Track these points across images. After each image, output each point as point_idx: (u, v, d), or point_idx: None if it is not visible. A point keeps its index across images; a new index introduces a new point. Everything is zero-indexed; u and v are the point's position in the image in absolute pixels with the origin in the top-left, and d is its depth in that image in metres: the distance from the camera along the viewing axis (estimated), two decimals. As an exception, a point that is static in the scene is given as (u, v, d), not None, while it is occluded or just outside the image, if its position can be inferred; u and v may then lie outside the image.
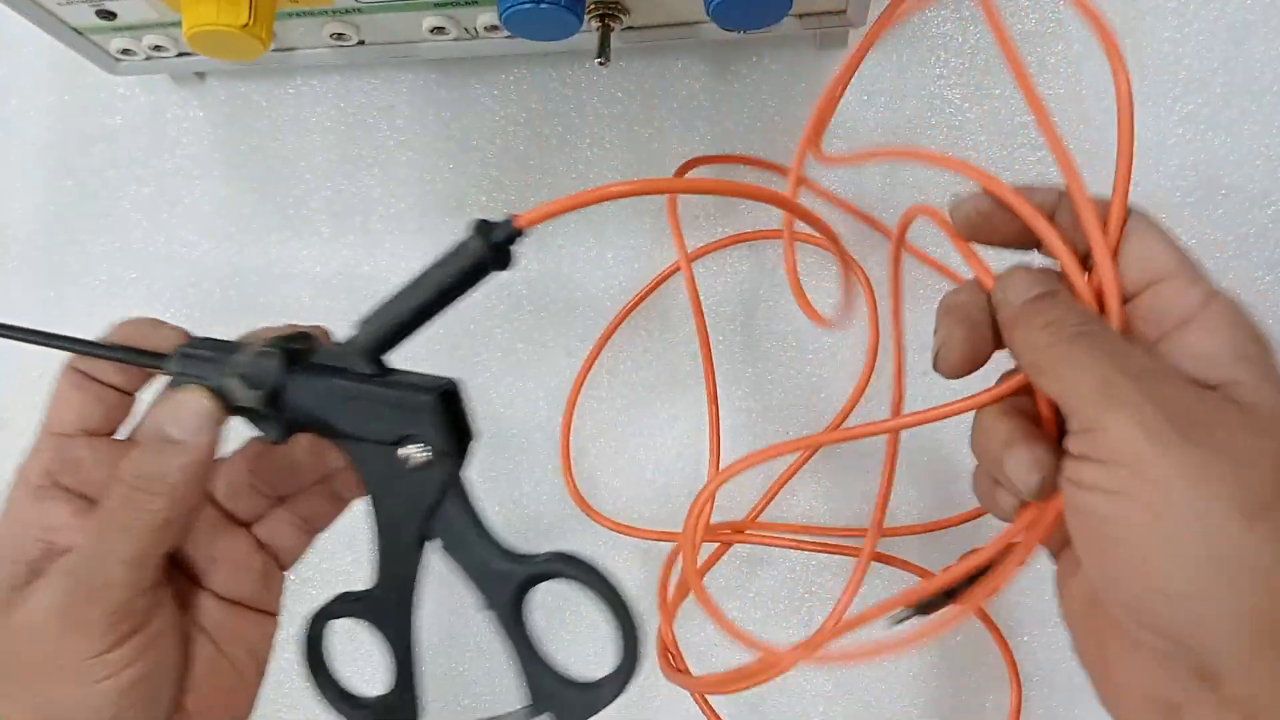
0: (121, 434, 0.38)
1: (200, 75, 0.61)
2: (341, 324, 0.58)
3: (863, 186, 0.56)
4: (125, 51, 0.54)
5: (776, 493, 0.55)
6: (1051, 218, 0.34)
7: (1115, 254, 0.33)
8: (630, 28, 0.52)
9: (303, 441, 0.39)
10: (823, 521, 0.56)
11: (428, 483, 0.34)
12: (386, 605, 0.36)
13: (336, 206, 0.60)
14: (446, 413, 0.34)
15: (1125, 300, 0.32)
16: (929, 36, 0.56)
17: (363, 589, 0.37)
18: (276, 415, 0.35)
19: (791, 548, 0.55)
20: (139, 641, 0.34)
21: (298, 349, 0.35)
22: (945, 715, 0.56)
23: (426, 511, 0.35)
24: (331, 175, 0.60)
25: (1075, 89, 0.55)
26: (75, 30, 0.52)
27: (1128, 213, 0.33)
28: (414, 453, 0.34)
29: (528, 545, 0.35)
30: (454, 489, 0.35)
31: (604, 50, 0.49)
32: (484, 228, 0.33)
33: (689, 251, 0.56)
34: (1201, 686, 0.29)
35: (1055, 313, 0.32)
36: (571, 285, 0.58)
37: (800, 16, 0.52)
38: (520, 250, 0.34)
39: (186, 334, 0.37)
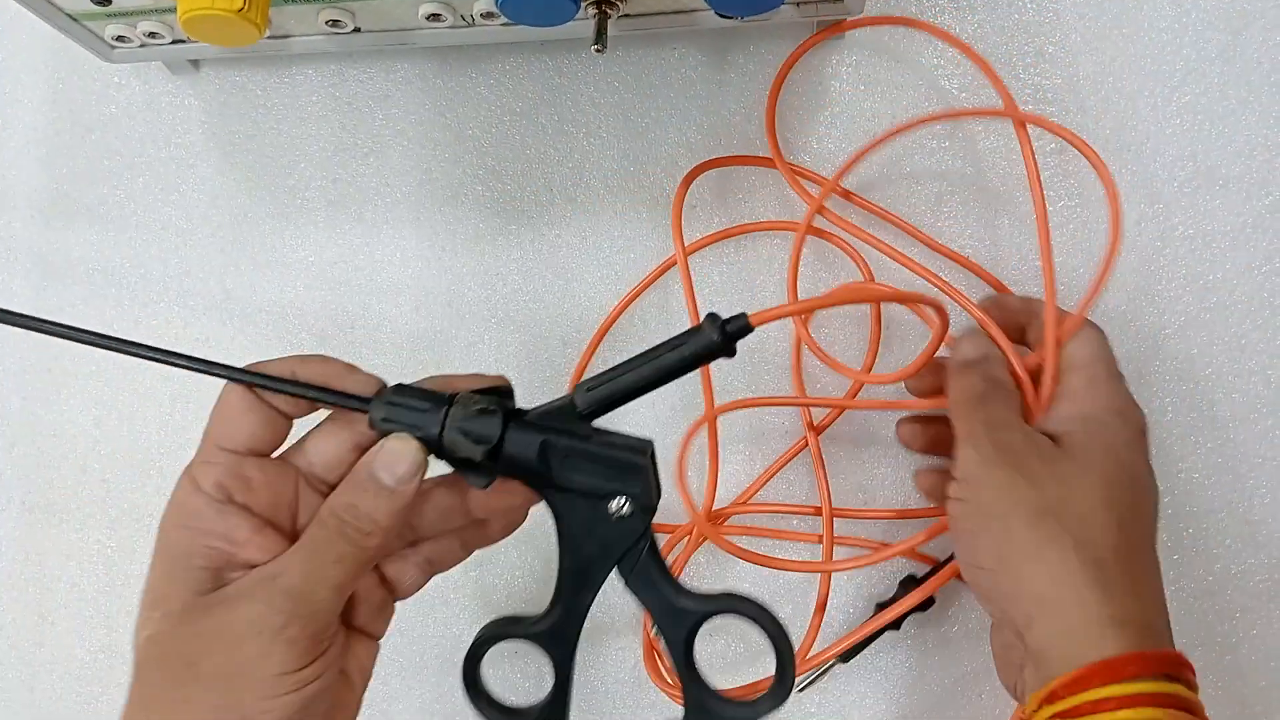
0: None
1: (195, 64, 0.61)
2: (335, 313, 0.59)
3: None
4: (120, 39, 0.54)
5: (769, 478, 0.56)
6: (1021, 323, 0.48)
7: (1057, 349, 0.46)
8: (627, 15, 0.52)
9: (462, 494, 0.41)
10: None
11: (625, 532, 0.38)
12: (560, 632, 0.39)
13: (332, 195, 0.60)
14: (653, 471, 0.38)
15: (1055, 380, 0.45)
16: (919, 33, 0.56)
17: (527, 614, 0.40)
18: (490, 466, 0.38)
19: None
20: (326, 660, 0.37)
21: (510, 405, 0.39)
22: (942, 702, 0.56)
23: (618, 554, 0.38)
24: (327, 164, 0.60)
25: (1071, 79, 0.55)
26: (70, 17, 0.52)
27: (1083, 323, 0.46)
28: (620, 507, 0.38)
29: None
30: (648, 538, 0.38)
31: (600, 37, 0.49)
32: (718, 321, 0.36)
33: (685, 245, 0.56)
34: (1020, 643, 0.42)
35: (970, 378, 0.45)
36: (569, 275, 0.58)
37: (797, 4, 0.52)
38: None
39: (380, 382, 0.39)
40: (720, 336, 0.36)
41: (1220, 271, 0.55)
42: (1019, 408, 0.45)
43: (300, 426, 0.40)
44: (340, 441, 0.40)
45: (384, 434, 0.38)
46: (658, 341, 0.37)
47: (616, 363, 0.37)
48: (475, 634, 0.40)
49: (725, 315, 0.37)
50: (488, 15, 0.51)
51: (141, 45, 0.55)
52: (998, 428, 0.43)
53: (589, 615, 0.39)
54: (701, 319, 0.37)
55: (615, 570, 0.39)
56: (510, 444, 0.37)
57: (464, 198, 0.59)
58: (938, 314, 0.45)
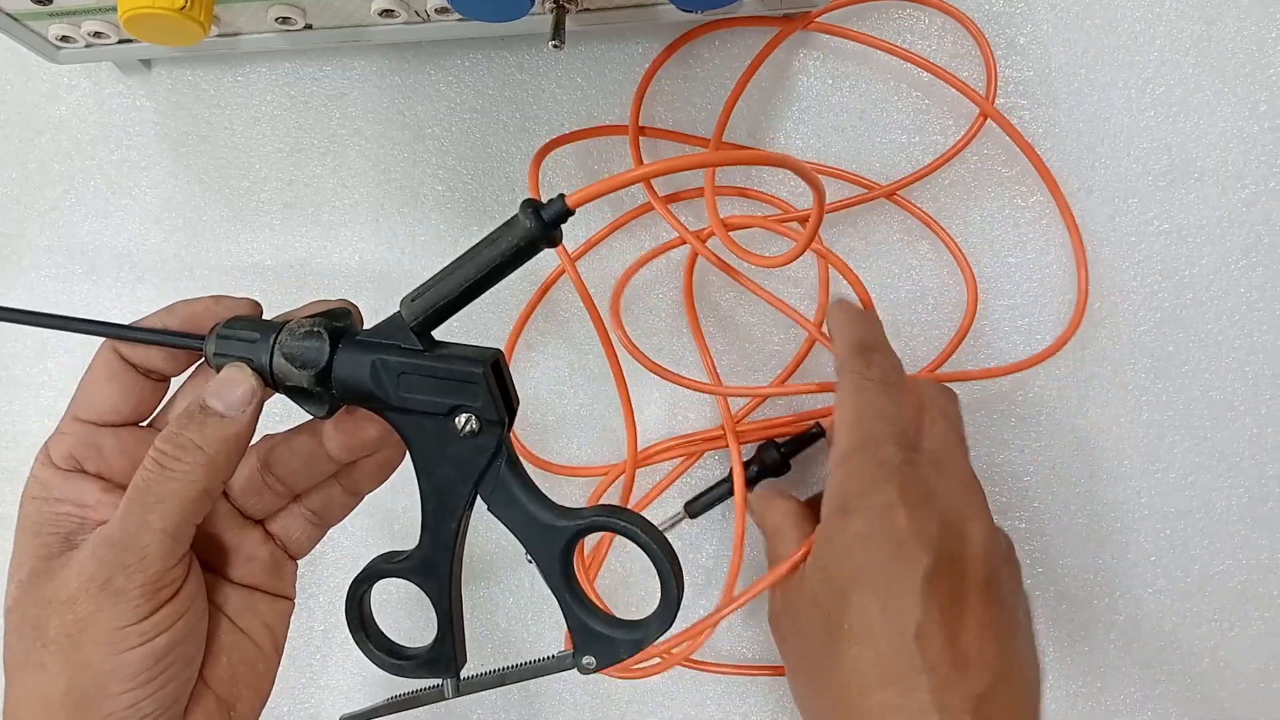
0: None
1: (146, 63, 0.59)
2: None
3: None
4: (64, 39, 0.52)
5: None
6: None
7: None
8: (586, 10, 0.50)
9: (319, 436, 0.39)
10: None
11: (477, 449, 0.35)
12: (432, 564, 0.37)
13: (288, 197, 0.58)
14: (496, 383, 0.35)
15: None
16: (894, 19, 0.55)
17: (406, 550, 0.38)
18: (324, 392, 0.36)
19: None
20: (171, 609, 0.35)
21: (340, 326, 0.36)
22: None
23: (476, 476, 0.36)
24: (283, 165, 0.58)
25: (1043, 70, 0.54)
26: (11, 17, 0.50)
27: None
28: (465, 423, 0.35)
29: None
30: (503, 454, 0.36)
31: (558, 33, 0.47)
32: (534, 205, 0.33)
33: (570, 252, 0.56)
34: None
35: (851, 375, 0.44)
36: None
37: (761, -3, 0.50)
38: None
39: (255, 303, 0.38)
40: (535, 223, 0.33)
41: (1196, 267, 0.54)
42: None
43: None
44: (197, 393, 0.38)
45: (219, 368, 0.36)
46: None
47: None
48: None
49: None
50: (442, 10, 0.50)
51: (87, 45, 0.53)
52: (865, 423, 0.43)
53: (467, 546, 0.38)
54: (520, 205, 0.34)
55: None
56: (339, 367, 0.35)
57: (424, 197, 0.58)
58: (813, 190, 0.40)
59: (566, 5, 0.48)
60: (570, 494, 0.57)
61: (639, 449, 0.54)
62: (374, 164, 0.58)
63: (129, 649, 0.34)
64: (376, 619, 0.40)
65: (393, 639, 0.40)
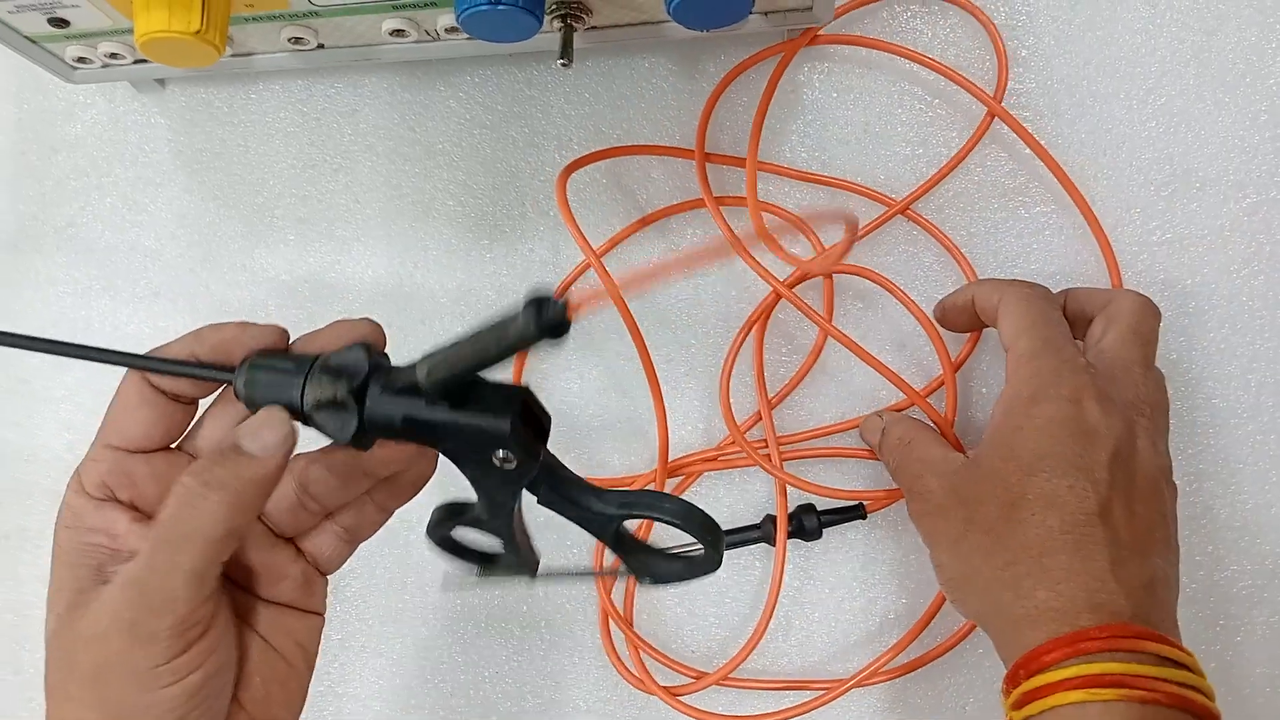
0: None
1: (161, 82, 0.60)
2: (307, 332, 0.58)
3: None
4: (81, 60, 0.53)
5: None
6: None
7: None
8: (594, 27, 0.51)
9: (342, 457, 0.39)
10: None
11: (519, 473, 0.36)
12: (491, 517, 0.39)
13: (301, 212, 0.59)
14: (525, 427, 0.36)
15: None
16: (899, 31, 0.55)
17: (465, 501, 0.39)
18: (356, 411, 0.36)
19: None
20: (202, 647, 0.35)
21: (362, 384, 0.36)
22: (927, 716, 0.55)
23: (520, 487, 0.37)
24: (296, 181, 0.59)
25: (1046, 82, 0.55)
26: (28, 39, 0.51)
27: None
28: (504, 460, 0.36)
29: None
30: (544, 470, 0.37)
31: (566, 51, 0.48)
32: (538, 306, 0.32)
33: (595, 248, 0.56)
34: None
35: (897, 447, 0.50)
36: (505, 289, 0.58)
37: (766, 14, 0.51)
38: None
39: (282, 331, 0.38)
40: (536, 327, 0.32)
41: (1198, 275, 0.54)
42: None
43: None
44: (224, 420, 0.39)
45: (250, 401, 0.36)
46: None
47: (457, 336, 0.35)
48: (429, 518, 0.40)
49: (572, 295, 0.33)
50: (451, 30, 0.51)
51: (103, 66, 0.54)
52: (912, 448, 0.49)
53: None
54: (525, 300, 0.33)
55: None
56: (371, 420, 0.35)
57: (435, 213, 0.58)
58: (845, 228, 0.44)
59: (574, 24, 0.49)
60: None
61: (669, 459, 0.55)
62: (385, 180, 0.59)
63: (161, 688, 0.34)
64: (461, 542, 0.41)
65: (479, 550, 0.41)
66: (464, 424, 0.35)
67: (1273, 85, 0.54)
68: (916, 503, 0.48)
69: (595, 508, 0.38)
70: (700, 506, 0.38)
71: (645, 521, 0.52)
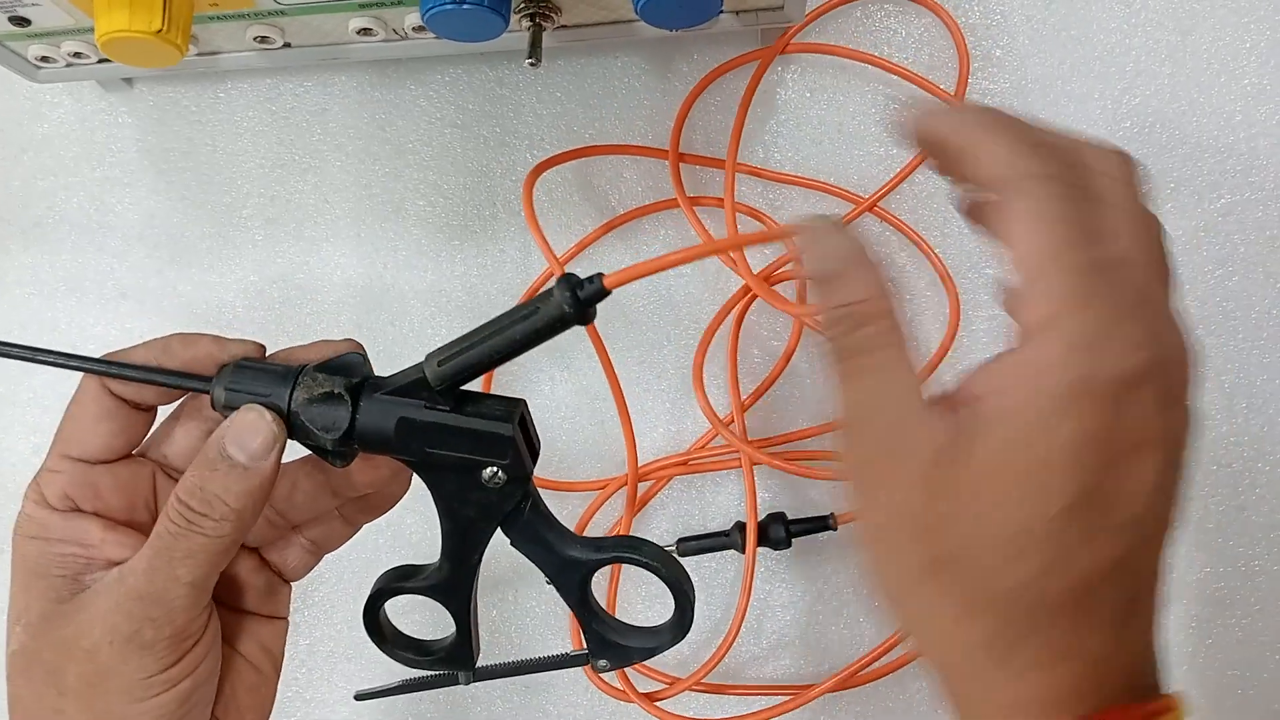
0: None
1: (128, 81, 0.59)
2: (276, 334, 0.58)
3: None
4: (44, 59, 0.52)
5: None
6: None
7: None
8: (564, 26, 0.51)
9: (324, 471, 0.39)
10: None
11: (502, 496, 0.36)
12: (452, 585, 0.38)
13: (270, 213, 0.58)
14: (524, 438, 0.35)
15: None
16: (872, 31, 0.55)
17: (420, 564, 0.39)
18: (346, 449, 0.35)
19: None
20: (194, 656, 0.35)
21: (358, 382, 0.35)
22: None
23: (499, 518, 0.36)
24: (265, 180, 0.59)
25: (1020, 82, 0.54)
26: (-10, 37, 0.51)
27: None
28: (492, 476, 0.35)
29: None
30: (528, 499, 0.36)
31: (535, 51, 0.48)
32: (572, 283, 0.32)
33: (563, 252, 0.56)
34: None
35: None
36: (514, 290, 0.57)
37: (737, 13, 0.50)
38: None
39: (259, 346, 0.37)
40: (572, 305, 0.31)
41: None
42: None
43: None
44: (192, 429, 0.38)
45: (230, 408, 0.35)
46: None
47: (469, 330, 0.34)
48: (373, 585, 0.39)
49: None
50: (419, 29, 0.50)
51: (68, 65, 0.53)
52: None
53: (485, 565, 0.38)
54: (555, 280, 0.33)
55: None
56: (363, 423, 0.35)
57: (405, 212, 0.58)
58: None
59: (543, 24, 0.48)
60: (568, 505, 0.57)
61: (639, 464, 0.54)
62: (355, 179, 0.58)
63: (153, 696, 0.34)
64: (394, 621, 0.41)
65: (412, 637, 0.41)
66: (464, 427, 0.35)
67: (1247, 86, 0.54)
68: (863, 481, 0.30)
69: (570, 552, 0.37)
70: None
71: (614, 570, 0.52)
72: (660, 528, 0.56)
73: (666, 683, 0.54)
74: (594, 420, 0.57)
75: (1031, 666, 0.28)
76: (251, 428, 0.34)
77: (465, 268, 0.57)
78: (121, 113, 0.60)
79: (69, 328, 0.60)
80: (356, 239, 0.58)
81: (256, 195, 0.59)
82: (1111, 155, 0.32)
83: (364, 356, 0.37)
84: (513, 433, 0.35)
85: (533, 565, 0.37)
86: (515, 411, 0.35)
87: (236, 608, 0.40)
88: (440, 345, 0.34)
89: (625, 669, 0.54)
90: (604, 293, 0.32)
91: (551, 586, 0.38)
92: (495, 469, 0.35)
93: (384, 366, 0.57)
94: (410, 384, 0.35)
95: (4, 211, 0.60)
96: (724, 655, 0.53)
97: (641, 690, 0.53)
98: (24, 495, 0.37)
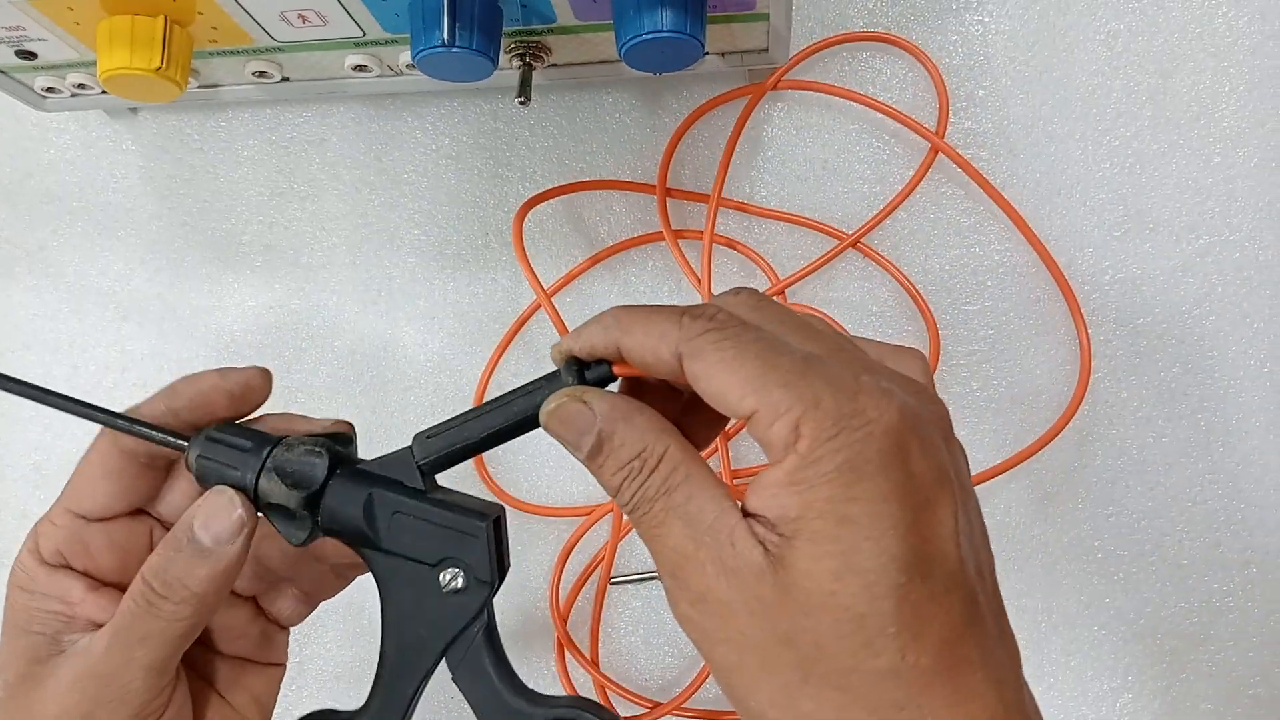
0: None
1: (133, 109, 0.61)
2: (273, 358, 0.59)
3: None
4: (50, 90, 0.54)
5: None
6: None
7: None
8: (554, 65, 0.52)
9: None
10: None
11: (458, 609, 0.33)
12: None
13: (268, 240, 0.60)
14: (495, 541, 0.34)
15: None
16: (858, 70, 0.56)
17: (343, 710, 0.35)
18: (308, 518, 0.34)
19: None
20: None
21: (341, 452, 0.35)
22: None
23: (450, 638, 0.33)
24: (264, 208, 0.60)
25: (1001, 123, 0.55)
26: (-2, 69, 0.52)
27: None
28: (452, 578, 0.33)
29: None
30: (483, 618, 0.33)
31: (525, 90, 0.49)
32: (579, 365, 0.32)
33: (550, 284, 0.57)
34: None
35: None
36: (505, 319, 0.58)
37: (723, 54, 0.52)
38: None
39: (263, 372, 0.36)
40: (577, 384, 0.32)
41: (1150, 315, 0.55)
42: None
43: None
44: (187, 487, 0.37)
45: (200, 476, 0.35)
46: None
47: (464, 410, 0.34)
48: None
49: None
50: (413, 66, 0.51)
51: (73, 95, 0.55)
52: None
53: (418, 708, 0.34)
54: (560, 366, 0.32)
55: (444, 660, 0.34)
56: (332, 493, 0.33)
57: (400, 242, 0.59)
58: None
59: (533, 64, 0.49)
60: (553, 530, 0.58)
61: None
62: (352, 208, 0.59)
63: None
64: None
65: None
66: (434, 514, 0.33)
67: (1225, 129, 0.55)
68: (704, 621, 0.29)
69: (516, 703, 0.33)
70: None
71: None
72: (646, 554, 0.57)
73: (647, 707, 0.55)
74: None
75: None
76: (220, 512, 0.34)
77: (458, 295, 0.58)
78: (126, 140, 0.61)
79: (70, 349, 0.61)
80: (352, 266, 0.59)
81: (256, 222, 0.60)
82: (728, 296, 0.33)
83: (351, 437, 0.37)
84: (485, 529, 0.33)
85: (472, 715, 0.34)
86: (492, 510, 0.34)
87: (232, 655, 0.40)
88: (432, 425, 0.33)
89: (606, 690, 0.55)
90: (611, 378, 0.32)
91: None
92: (457, 571, 0.33)
93: (379, 392, 0.58)
94: (389, 462, 0.34)
95: (10, 234, 0.62)
96: (705, 679, 0.54)
97: (624, 715, 0.54)
98: (23, 542, 0.37)
